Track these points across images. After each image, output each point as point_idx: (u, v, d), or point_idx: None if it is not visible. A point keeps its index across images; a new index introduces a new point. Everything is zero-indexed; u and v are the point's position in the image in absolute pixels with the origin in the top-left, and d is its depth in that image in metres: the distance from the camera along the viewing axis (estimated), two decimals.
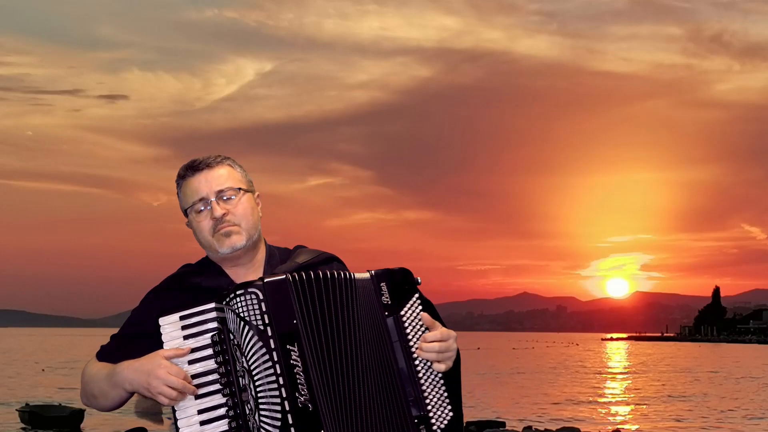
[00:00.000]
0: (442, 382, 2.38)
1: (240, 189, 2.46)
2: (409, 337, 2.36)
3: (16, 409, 26.33)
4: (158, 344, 2.31)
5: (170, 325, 2.31)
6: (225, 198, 2.43)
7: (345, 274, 2.35)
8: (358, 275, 2.37)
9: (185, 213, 2.50)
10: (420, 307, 2.39)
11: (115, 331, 2.57)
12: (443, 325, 2.44)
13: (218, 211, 2.41)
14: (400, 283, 2.39)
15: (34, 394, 34.59)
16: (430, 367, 2.36)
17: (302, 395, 2.20)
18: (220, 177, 2.44)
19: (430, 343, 2.34)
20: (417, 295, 2.40)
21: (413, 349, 2.35)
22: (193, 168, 2.46)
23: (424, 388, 2.34)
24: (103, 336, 2.61)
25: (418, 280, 2.42)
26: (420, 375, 2.34)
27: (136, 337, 2.44)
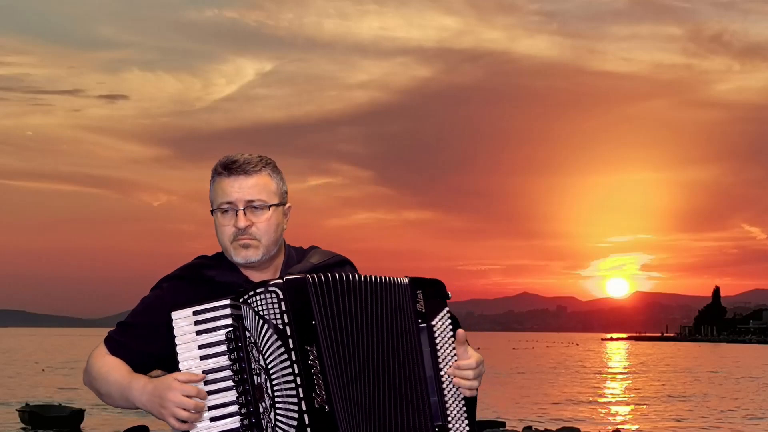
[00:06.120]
0: (462, 397, 2.44)
1: (270, 205, 2.45)
2: (438, 347, 2.41)
3: (16, 409, 26.34)
4: (171, 336, 2.31)
5: (183, 320, 2.31)
6: (254, 207, 2.43)
7: (370, 277, 2.38)
8: (395, 279, 2.41)
9: (212, 208, 2.48)
10: (449, 321, 2.45)
11: None
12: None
13: (242, 222, 2.42)
14: (435, 293, 2.45)
15: (34, 394, 34.61)
16: (451, 380, 2.42)
17: (319, 396, 2.21)
18: (254, 187, 2.43)
19: (465, 371, 2.42)
20: (447, 309, 2.46)
21: (440, 360, 2.41)
22: (229, 169, 2.44)
23: (446, 399, 2.40)
24: (102, 336, 2.58)
25: (449, 294, 2.47)
26: (444, 386, 2.40)
27: (147, 327, 2.43)
